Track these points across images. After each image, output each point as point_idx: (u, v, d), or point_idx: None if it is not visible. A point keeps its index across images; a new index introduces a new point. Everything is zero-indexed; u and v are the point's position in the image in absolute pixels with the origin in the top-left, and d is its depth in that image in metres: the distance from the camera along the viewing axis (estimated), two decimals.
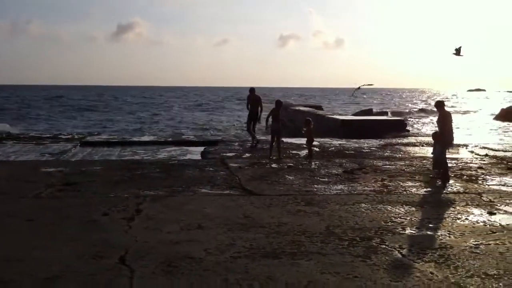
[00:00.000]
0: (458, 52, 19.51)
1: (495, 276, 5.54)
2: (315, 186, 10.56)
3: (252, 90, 17.55)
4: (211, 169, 12.44)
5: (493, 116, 52.49)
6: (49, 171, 11.97)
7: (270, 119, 14.90)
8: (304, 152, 15.43)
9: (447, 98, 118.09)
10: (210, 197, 9.45)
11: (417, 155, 15.40)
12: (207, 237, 6.84)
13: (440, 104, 11.66)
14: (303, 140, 16.06)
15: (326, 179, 11.28)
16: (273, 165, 13.26)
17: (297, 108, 31.59)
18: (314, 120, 17.08)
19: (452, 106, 75.27)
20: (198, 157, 15.24)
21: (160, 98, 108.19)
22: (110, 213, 8.06)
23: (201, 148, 16.83)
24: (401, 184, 10.87)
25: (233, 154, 15.69)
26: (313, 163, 13.58)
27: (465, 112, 62.56)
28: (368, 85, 17.03)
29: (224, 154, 15.55)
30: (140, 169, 12.26)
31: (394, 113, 48.72)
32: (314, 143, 15.62)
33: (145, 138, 21.15)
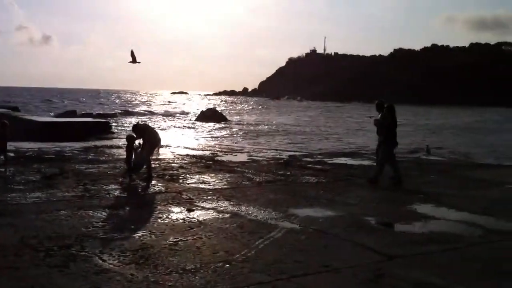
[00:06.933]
0: None
1: (192, 270, 5.77)
2: (9, 195, 9.55)
3: None
4: None
5: (195, 117, 56.54)
6: None
7: None
8: None
9: (153, 101, 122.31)
10: None
11: (121, 157, 15.34)
12: None
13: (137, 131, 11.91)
14: None
15: (22, 187, 10.33)
16: None
17: None
18: (10, 123, 15.52)
19: (164, 111, 78.46)
20: None
21: None
22: None
23: None
24: (104, 187, 10.64)
25: None
26: (6, 170, 12.35)
27: (169, 114, 65.71)
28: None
29: None
30: None
31: (99, 115, 48.24)
32: (9, 147, 14.22)
33: None
